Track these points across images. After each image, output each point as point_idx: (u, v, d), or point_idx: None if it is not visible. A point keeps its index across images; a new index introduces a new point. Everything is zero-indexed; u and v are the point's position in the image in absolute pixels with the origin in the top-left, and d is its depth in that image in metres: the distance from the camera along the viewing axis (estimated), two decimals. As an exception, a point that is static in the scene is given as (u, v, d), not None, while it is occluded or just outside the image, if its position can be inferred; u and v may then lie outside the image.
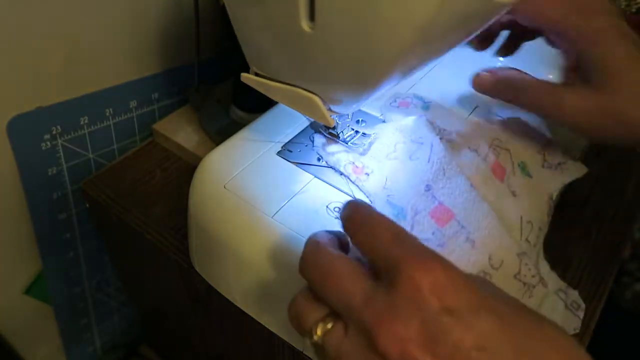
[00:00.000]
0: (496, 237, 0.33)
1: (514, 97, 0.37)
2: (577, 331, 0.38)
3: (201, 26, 0.51)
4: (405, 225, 0.33)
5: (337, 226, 0.34)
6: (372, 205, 0.34)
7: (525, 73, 0.37)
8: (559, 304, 0.39)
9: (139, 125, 0.58)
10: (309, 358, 0.36)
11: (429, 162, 0.36)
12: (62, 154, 0.52)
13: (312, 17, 0.27)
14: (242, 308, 0.38)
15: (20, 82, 0.46)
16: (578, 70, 0.35)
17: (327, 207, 0.35)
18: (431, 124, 0.38)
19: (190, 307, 0.49)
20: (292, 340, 0.36)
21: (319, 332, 0.24)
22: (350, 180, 0.37)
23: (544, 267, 0.39)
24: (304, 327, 0.25)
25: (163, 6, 0.53)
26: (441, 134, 0.38)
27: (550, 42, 0.37)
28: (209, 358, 0.58)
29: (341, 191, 0.37)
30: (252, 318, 0.37)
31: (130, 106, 0.56)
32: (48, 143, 0.50)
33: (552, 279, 0.40)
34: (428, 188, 0.34)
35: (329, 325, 0.24)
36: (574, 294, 0.40)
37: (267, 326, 0.37)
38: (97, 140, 0.54)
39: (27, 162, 0.49)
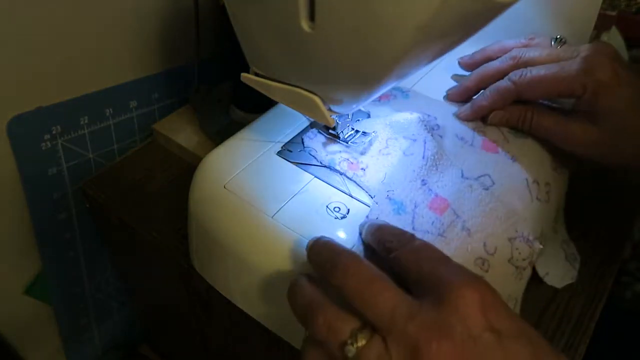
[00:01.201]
0: (489, 224, 0.34)
1: (528, 129, 0.40)
2: (574, 281, 0.41)
3: (201, 26, 0.51)
4: (407, 218, 0.34)
5: (336, 226, 0.34)
6: (374, 200, 0.35)
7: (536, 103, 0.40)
8: (561, 255, 0.42)
9: (139, 125, 0.58)
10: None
11: (423, 158, 0.36)
12: (62, 154, 0.52)
13: (312, 17, 0.27)
14: (242, 308, 0.38)
15: (20, 82, 0.46)
16: (582, 110, 0.39)
17: (327, 207, 0.35)
18: (422, 121, 0.39)
19: (190, 306, 0.49)
20: (292, 339, 0.36)
21: (358, 343, 0.24)
22: (347, 177, 0.37)
23: (560, 219, 0.42)
24: (338, 338, 0.25)
25: (163, 6, 0.53)
26: (431, 129, 0.39)
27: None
28: (209, 358, 0.59)
29: (341, 191, 0.37)
30: (252, 318, 0.37)
31: (130, 106, 0.56)
32: (48, 143, 0.50)
33: (562, 231, 0.42)
34: (424, 183, 0.35)
35: (365, 338, 0.24)
36: (572, 247, 0.43)
37: (267, 326, 0.37)
38: (97, 140, 0.54)
39: (27, 162, 0.49)
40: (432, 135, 0.38)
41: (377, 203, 0.35)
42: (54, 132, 0.50)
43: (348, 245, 0.33)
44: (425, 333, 0.23)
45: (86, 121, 0.52)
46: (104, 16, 0.48)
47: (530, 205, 0.36)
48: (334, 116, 0.35)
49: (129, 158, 0.54)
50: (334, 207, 0.35)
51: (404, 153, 0.37)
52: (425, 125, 0.39)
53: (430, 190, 0.35)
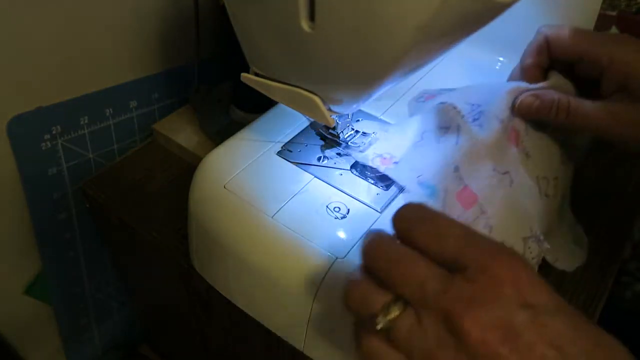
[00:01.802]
0: (509, 223, 0.34)
1: (564, 118, 0.36)
2: (583, 262, 0.40)
3: (201, 26, 0.51)
4: (437, 204, 0.33)
5: (336, 226, 0.34)
6: (405, 189, 0.35)
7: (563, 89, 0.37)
8: (569, 238, 0.41)
9: (139, 125, 0.58)
10: (309, 358, 0.36)
11: (456, 144, 0.36)
12: (62, 154, 0.52)
13: (312, 17, 0.27)
14: (242, 308, 0.38)
15: (20, 82, 0.46)
16: (613, 90, 0.36)
17: (327, 207, 0.35)
18: (454, 108, 0.38)
19: (190, 306, 0.49)
20: (292, 340, 0.36)
21: (390, 315, 0.24)
22: (380, 172, 0.37)
23: (566, 204, 0.42)
24: (369, 310, 0.25)
25: (163, 6, 0.53)
26: (472, 119, 0.38)
27: (590, 72, 0.37)
28: (209, 358, 0.58)
29: (341, 191, 0.37)
30: (252, 318, 0.37)
31: (130, 106, 0.56)
32: (48, 143, 0.50)
33: (568, 215, 0.42)
34: (456, 169, 0.34)
35: (397, 310, 0.24)
36: (579, 228, 0.42)
37: (267, 326, 0.37)
38: (97, 140, 0.54)
39: (27, 162, 0.49)
40: (467, 123, 0.37)
41: (409, 191, 0.34)
42: (54, 132, 0.50)
43: (348, 245, 0.33)
44: (460, 306, 0.23)
45: (86, 121, 0.52)
46: (104, 16, 0.48)
47: (539, 202, 0.36)
48: (333, 116, 0.35)
49: (129, 158, 0.54)
50: (334, 207, 0.35)
51: (437, 142, 0.37)
52: (459, 113, 0.38)
53: (461, 179, 0.34)
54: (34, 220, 0.53)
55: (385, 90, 0.33)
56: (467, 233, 0.25)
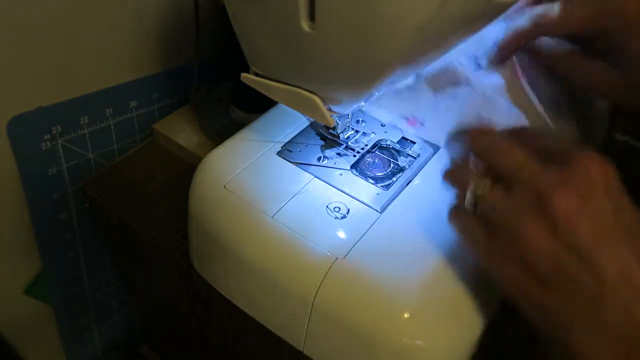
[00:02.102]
0: None
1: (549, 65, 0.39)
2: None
3: (201, 26, 0.51)
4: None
5: (336, 226, 0.34)
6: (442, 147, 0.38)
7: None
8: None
9: (139, 125, 0.58)
10: (309, 358, 0.36)
11: (471, 95, 0.38)
12: (62, 154, 0.52)
13: (312, 17, 0.27)
14: (242, 308, 0.38)
15: (20, 82, 0.46)
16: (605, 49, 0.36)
17: (327, 207, 0.35)
18: (460, 64, 0.39)
19: (190, 306, 0.49)
20: (292, 340, 0.36)
21: (480, 190, 0.28)
22: (409, 140, 0.40)
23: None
24: (466, 186, 0.29)
25: (163, 6, 0.53)
26: (469, 66, 0.40)
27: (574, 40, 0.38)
28: (209, 358, 0.59)
29: (341, 191, 0.37)
30: (252, 318, 0.37)
31: (130, 106, 0.56)
32: (48, 143, 0.50)
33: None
34: (479, 115, 0.37)
35: (490, 183, 0.28)
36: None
37: (267, 326, 0.37)
38: (97, 140, 0.54)
39: (27, 162, 0.49)
40: (473, 75, 0.39)
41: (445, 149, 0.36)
42: (54, 132, 0.50)
43: (348, 245, 0.33)
44: (551, 185, 0.26)
45: (86, 121, 0.52)
46: (104, 16, 0.49)
47: (552, 129, 0.38)
48: (333, 116, 0.35)
49: (129, 158, 0.54)
50: (334, 207, 0.35)
51: (453, 98, 0.39)
52: (458, 65, 0.39)
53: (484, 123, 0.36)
54: (34, 220, 0.53)
55: (385, 90, 0.33)
56: (569, 145, 0.29)
